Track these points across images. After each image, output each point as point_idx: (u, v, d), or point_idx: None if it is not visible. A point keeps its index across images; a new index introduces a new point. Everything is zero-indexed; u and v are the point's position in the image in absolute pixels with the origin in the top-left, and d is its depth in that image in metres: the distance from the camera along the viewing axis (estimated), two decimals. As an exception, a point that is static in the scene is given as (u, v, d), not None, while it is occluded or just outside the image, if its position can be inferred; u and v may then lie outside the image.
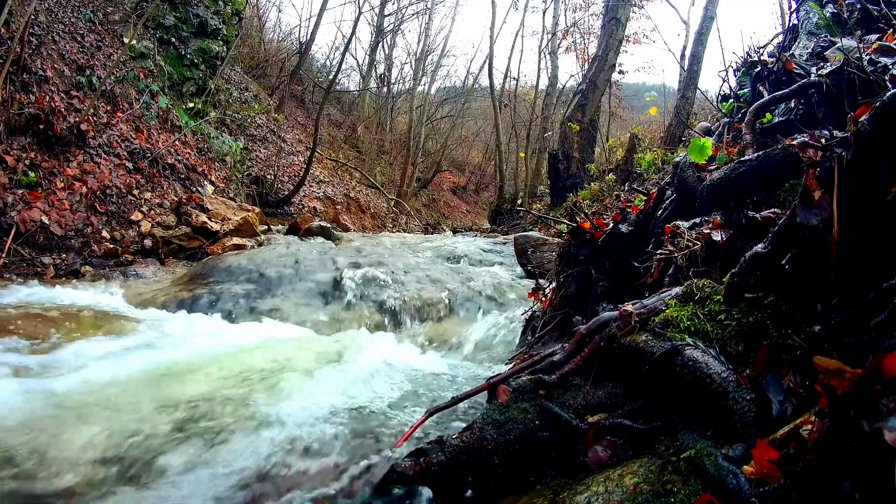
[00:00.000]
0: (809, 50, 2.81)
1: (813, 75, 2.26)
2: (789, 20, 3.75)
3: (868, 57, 2.09)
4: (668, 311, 1.46)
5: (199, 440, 1.59)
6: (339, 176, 13.31)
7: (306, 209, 9.64)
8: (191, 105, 7.68)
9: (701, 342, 1.31)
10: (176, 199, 5.97)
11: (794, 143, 1.65)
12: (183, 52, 7.58)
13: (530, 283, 3.51)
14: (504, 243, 6.34)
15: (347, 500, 1.33)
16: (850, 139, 1.15)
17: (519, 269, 4.53)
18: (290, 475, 1.42)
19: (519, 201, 12.83)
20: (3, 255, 3.96)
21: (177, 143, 6.74)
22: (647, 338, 1.39)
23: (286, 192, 9.55)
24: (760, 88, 2.73)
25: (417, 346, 3.17)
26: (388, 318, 3.57)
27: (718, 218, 1.84)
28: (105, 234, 4.91)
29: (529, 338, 2.66)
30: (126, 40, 6.55)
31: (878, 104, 1.07)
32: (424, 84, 21.90)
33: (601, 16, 11.33)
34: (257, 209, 6.68)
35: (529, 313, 2.93)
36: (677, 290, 1.56)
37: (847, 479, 0.69)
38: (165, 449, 1.53)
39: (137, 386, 2.04)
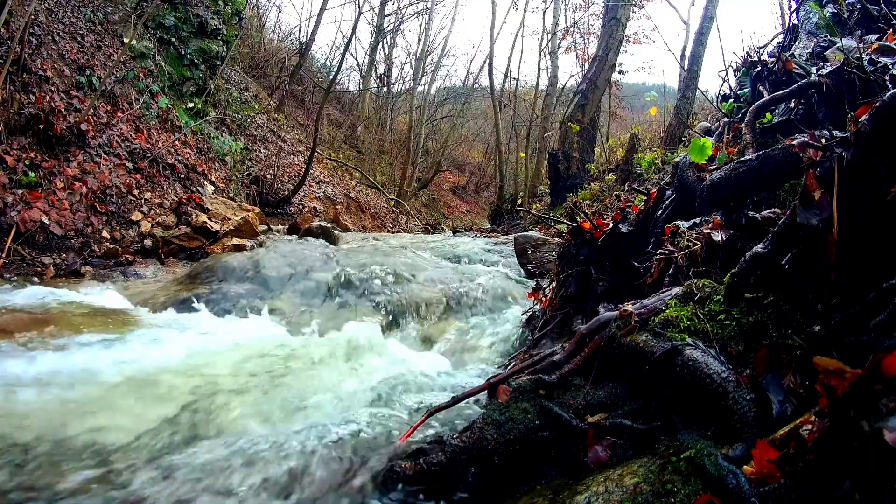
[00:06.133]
0: (809, 50, 2.81)
1: (813, 75, 2.26)
2: (789, 20, 3.75)
3: (868, 57, 2.09)
4: (668, 311, 1.46)
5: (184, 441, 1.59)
6: (339, 176, 13.31)
7: (306, 209, 9.64)
8: (191, 105, 7.68)
9: (701, 342, 1.31)
10: (176, 199, 5.96)
11: (794, 143, 1.65)
12: (183, 52, 7.58)
13: (530, 283, 3.51)
14: (504, 243, 6.34)
15: (347, 500, 1.33)
16: (850, 139, 1.15)
17: (519, 269, 4.52)
18: (289, 474, 1.42)
19: (519, 201, 12.81)
20: (3, 255, 3.96)
21: (177, 143, 6.74)
22: (647, 338, 1.39)
23: (286, 192, 9.54)
24: (760, 88, 2.73)
25: (417, 346, 3.17)
26: (388, 318, 3.56)
27: (718, 218, 1.84)
28: (105, 234, 4.91)
29: (529, 338, 2.66)
30: (126, 40, 6.55)
31: (878, 104, 1.07)
32: (424, 84, 21.92)
33: (601, 16, 11.32)
34: (257, 209, 6.68)
35: (529, 313, 2.93)
36: (677, 290, 1.56)
37: (847, 479, 0.69)
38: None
39: (130, 386, 2.04)
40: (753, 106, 2.39)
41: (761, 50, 3.38)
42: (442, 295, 3.78)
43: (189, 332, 2.95)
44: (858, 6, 2.89)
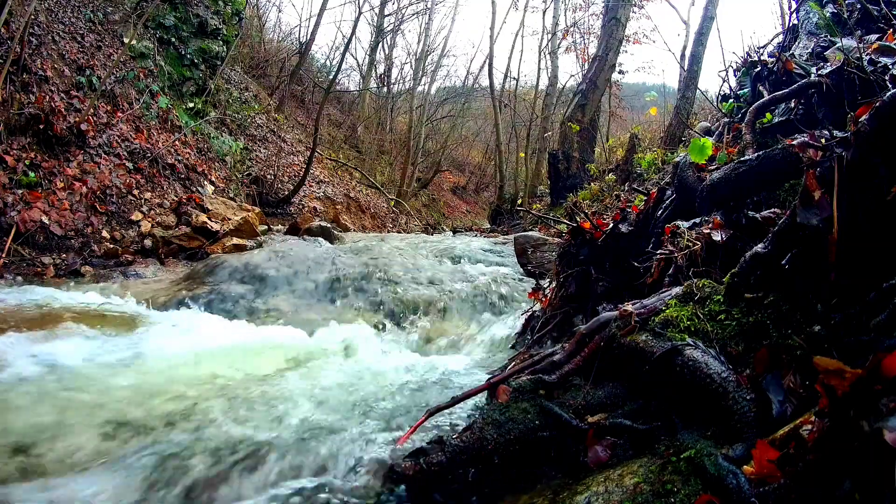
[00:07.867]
0: (809, 50, 2.81)
1: (813, 75, 2.26)
2: (789, 20, 3.75)
3: (868, 57, 2.09)
4: (668, 310, 1.46)
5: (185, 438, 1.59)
6: (339, 176, 13.30)
7: (306, 209, 9.64)
8: (191, 105, 7.67)
9: (701, 342, 1.31)
10: (176, 199, 5.96)
11: (794, 143, 1.65)
12: (183, 52, 7.57)
13: (530, 283, 3.50)
14: (504, 243, 6.33)
15: (347, 500, 1.33)
16: (850, 139, 1.15)
17: (519, 269, 4.52)
18: (289, 474, 1.42)
19: (519, 201, 12.80)
20: (3, 255, 3.96)
21: (177, 143, 6.74)
22: (647, 338, 1.39)
23: (286, 192, 9.54)
24: (760, 88, 2.73)
25: (417, 346, 3.17)
26: (388, 318, 3.57)
27: (718, 218, 1.84)
28: (105, 234, 4.91)
29: (529, 338, 2.66)
30: (126, 40, 6.55)
31: (878, 104, 1.07)
32: (424, 84, 21.90)
33: (601, 16, 11.32)
34: (257, 209, 6.68)
35: (529, 313, 2.93)
36: (677, 290, 1.56)
37: (847, 479, 0.69)
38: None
39: (128, 387, 2.04)
40: (753, 106, 2.39)
41: (761, 50, 3.38)
42: (441, 295, 3.78)
43: (187, 333, 2.95)
44: (858, 6, 2.89)
